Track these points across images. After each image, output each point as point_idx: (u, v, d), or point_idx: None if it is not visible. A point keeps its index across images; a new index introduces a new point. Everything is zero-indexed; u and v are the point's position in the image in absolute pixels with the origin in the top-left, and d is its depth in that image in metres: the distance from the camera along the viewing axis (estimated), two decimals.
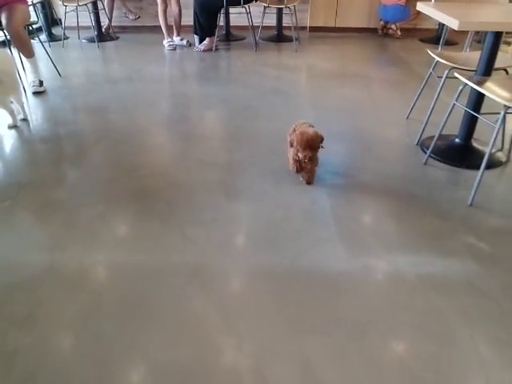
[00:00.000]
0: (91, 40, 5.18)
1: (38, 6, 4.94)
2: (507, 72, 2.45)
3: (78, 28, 5.19)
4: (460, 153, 2.55)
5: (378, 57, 4.89)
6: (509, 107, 1.97)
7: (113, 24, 5.53)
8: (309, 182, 2.24)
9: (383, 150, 2.68)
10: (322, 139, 2.13)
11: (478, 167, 2.10)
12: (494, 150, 2.54)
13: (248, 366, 1.33)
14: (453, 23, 2.03)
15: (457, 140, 2.59)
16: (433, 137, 2.49)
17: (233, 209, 2.08)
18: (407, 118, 3.08)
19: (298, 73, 4.23)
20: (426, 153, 2.51)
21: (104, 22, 5.44)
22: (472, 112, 2.39)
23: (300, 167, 2.22)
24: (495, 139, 2.05)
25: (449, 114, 2.35)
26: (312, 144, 2.07)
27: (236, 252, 1.82)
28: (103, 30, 5.44)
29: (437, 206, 2.09)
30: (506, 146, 2.61)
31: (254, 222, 1.99)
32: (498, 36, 2.25)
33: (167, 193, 2.21)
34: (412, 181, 2.32)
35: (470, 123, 2.50)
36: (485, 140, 2.48)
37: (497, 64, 2.38)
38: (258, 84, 3.84)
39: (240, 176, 2.36)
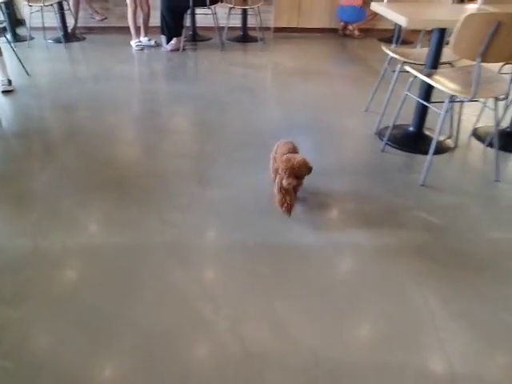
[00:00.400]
0: (57, 41, 5.19)
1: (2, 5, 4.91)
2: (452, 65, 2.70)
3: (44, 28, 5.18)
4: (413, 140, 2.78)
5: (339, 55, 5.13)
6: (453, 96, 2.20)
7: (79, 25, 5.55)
8: (289, 211, 1.95)
9: (344, 140, 2.88)
10: (310, 169, 1.92)
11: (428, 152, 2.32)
12: (444, 138, 2.78)
13: (225, 327, 1.47)
14: (402, 21, 2.25)
15: (410, 128, 2.82)
16: (389, 127, 2.70)
17: (206, 195, 2.22)
18: (366, 110, 3.29)
19: (263, 71, 4.40)
20: (383, 141, 2.72)
21: (70, 22, 5.44)
22: (422, 101, 2.61)
23: (284, 199, 1.94)
24: (442, 126, 2.27)
25: (401, 105, 2.57)
26: (298, 172, 1.87)
27: (211, 231, 1.97)
28: (69, 30, 5.45)
29: (393, 187, 2.30)
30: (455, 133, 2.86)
31: (226, 205, 2.13)
32: (442, 32, 2.48)
33: (143, 182, 2.32)
34: (370, 166, 2.53)
35: (422, 113, 2.73)
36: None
37: (444, 58, 2.62)
38: (225, 82, 3.98)
39: (211, 166, 2.50)
